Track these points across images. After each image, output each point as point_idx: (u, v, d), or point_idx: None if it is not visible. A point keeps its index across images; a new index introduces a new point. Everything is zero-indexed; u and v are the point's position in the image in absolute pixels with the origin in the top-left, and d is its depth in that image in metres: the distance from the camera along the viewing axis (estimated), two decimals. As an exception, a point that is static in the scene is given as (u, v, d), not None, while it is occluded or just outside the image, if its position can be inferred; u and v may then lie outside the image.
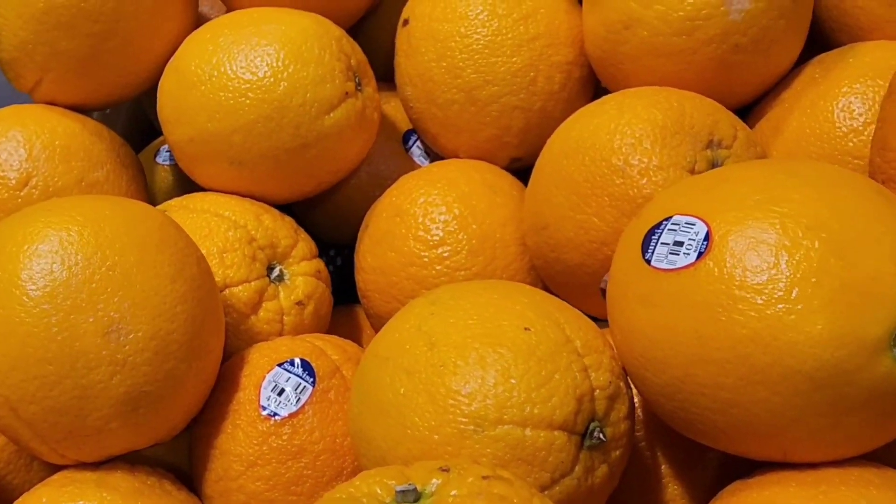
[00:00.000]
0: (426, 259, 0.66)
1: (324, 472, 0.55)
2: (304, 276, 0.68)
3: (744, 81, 0.64)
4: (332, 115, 0.68)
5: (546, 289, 0.66)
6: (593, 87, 0.73)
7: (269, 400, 0.57)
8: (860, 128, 0.59)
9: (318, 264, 0.70)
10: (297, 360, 0.58)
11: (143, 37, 0.73)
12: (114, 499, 0.52)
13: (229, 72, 0.67)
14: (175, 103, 0.70)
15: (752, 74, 0.64)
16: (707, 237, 0.44)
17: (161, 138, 0.90)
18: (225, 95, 0.67)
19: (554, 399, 0.46)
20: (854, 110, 0.60)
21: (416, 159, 0.81)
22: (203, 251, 0.64)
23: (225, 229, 0.66)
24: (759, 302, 0.42)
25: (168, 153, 0.87)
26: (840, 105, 0.60)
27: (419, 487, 0.39)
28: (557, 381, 0.47)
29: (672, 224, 0.46)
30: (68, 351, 0.50)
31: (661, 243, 0.46)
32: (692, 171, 0.57)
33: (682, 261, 0.45)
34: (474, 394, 0.46)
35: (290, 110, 0.66)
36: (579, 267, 0.60)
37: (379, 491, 0.39)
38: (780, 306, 0.41)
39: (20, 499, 0.53)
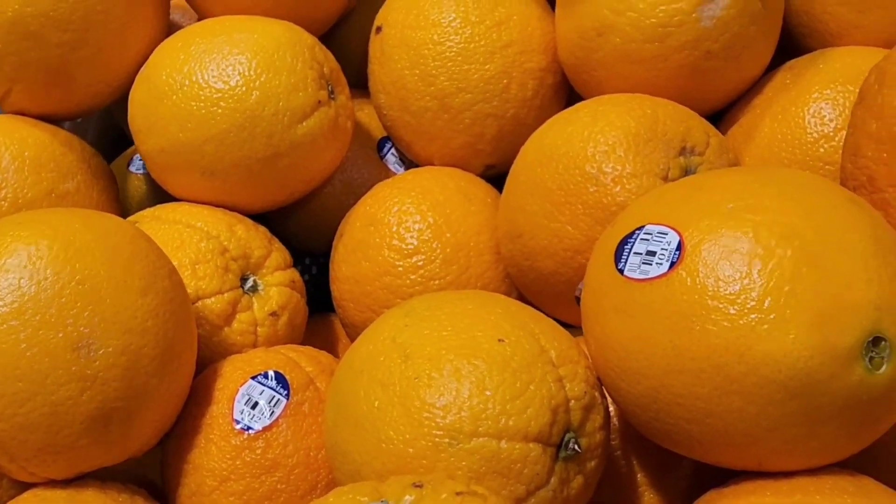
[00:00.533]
0: (400, 268, 0.66)
1: (298, 487, 0.54)
2: (277, 286, 0.68)
3: (716, 87, 0.64)
4: (304, 123, 0.67)
5: (521, 297, 0.66)
6: (567, 93, 0.73)
7: (242, 413, 0.56)
8: (831, 133, 0.59)
9: (293, 274, 0.70)
10: (271, 373, 0.58)
11: (114, 46, 0.72)
12: (85, 516, 0.51)
13: (201, 81, 0.66)
14: (146, 113, 0.69)
15: (723, 80, 0.64)
16: (679, 247, 0.44)
17: (134, 146, 0.89)
18: (196, 105, 0.66)
19: (529, 410, 0.46)
20: (825, 116, 0.60)
21: (391, 167, 0.80)
22: (175, 263, 0.63)
23: (197, 240, 0.65)
24: (733, 312, 0.42)
25: (141, 161, 0.86)
26: (811, 111, 0.60)
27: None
28: (532, 392, 0.46)
29: (645, 233, 0.46)
30: (38, 367, 0.49)
31: (634, 253, 0.46)
32: (665, 179, 0.57)
33: (654, 271, 0.45)
34: (449, 406, 0.46)
35: (262, 119, 0.66)
36: (553, 275, 0.60)
37: (352, 508, 0.39)
38: (753, 316, 0.41)
39: (-11, 517, 0.52)
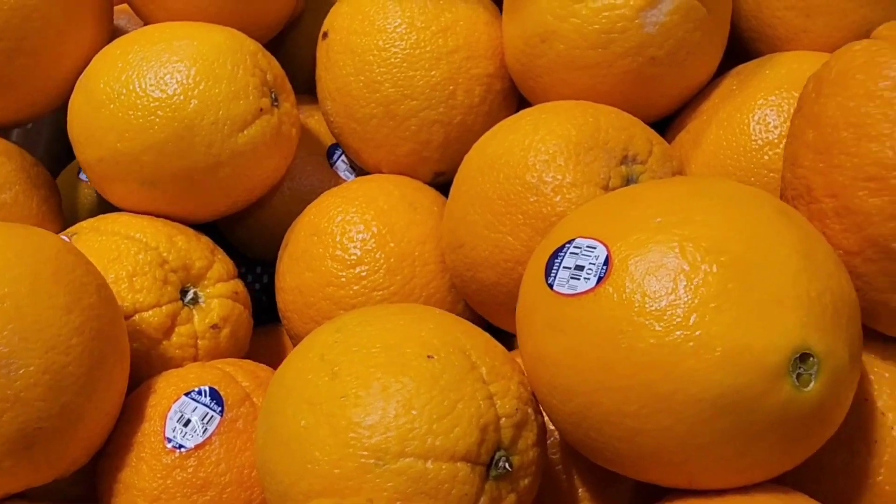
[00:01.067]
0: (343, 279, 0.65)
1: (230, 506, 0.53)
2: (219, 298, 0.66)
3: (662, 94, 0.63)
4: (245, 132, 0.66)
5: (467, 307, 0.65)
6: (516, 99, 0.72)
7: (174, 431, 0.55)
8: (775, 140, 0.58)
9: (236, 285, 0.68)
10: (205, 389, 0.56)
11: (53, 54, 0.71)
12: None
13: (138, 90, 0.65)
14: (84, 122, 0.67)
15: (669, 87, 0.63)
16: (607, 261, 0.43)
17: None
18: (134, 114, 0.65)
19: (457, 430, 0.45)
20: (769, 123, 0.59)
21: (341, 174, 0.79)
22: (111, 276, 0.62)
23: (135, 252, 0.64)
24: (659, 328, 0.41)
25: (92, 170, 0.85)
26: (756, 117, 0.60)
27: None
28: (460, 410, 0.45)
29: (574, 247, 0.45)
30: (-43, 387, 0.48)
31: (563, 267, 0.45)
32: (606, 188, 0.56)
33: (582, 286, 0.44)
34: (375, 426, 0.45)
35: (201, 129, 0.64)
36: (495, 286, 0.59)
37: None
38: (679, 333, 0.40)
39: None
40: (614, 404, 0.42)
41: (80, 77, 0.69)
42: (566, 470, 0.54)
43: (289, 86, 0.71)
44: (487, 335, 0.51)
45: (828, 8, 0.63)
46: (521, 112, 0.62)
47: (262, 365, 0.62)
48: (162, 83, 0.65)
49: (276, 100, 0.69)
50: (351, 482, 0.44)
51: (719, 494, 0.44)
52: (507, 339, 0.57)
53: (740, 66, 0.65)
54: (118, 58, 0.67)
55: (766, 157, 0.58)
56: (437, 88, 0.68)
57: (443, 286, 0.65)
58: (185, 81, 0.65)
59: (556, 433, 0.55)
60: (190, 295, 0.65)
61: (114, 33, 0.76)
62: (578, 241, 0.45)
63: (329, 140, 0.80)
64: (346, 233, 0.66)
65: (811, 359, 0.40)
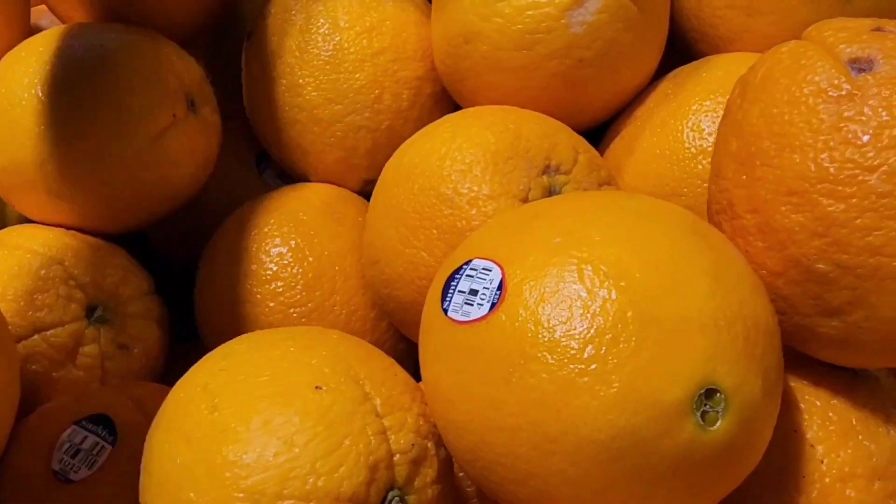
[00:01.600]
0: (258, 296, 0.61)
1: (115, 545, 0.49)
2: (131, 316, 0.63)
3: (593, 98, 0.59)
4: (157, 141, 0.62)
5: (392, 325, 0.62)
6: (450, 103, 0.68)
7: (62, 463, 0.51)
8: (710, 148, 0.55)
9: (150, 301, 0.64)
10: (100, 417, 0.53)
11: (-40, 56, 0.67)
12: None
13: (41, 95, 0.61)
14: (-13, 129, 0.64)
15: (601, 90, 0.59)
16: (501, 286, 0.39)
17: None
18: (36, 121, 0.61)
19: (342, 469, 0.41)
20: (704, 129, 0.55)
21: (270, 181, 0.75)
22: (10, 293, 0.59)
23: (38, 267, 0.60)
24: (552, 362, 0.37)
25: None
26: (690, 123, 0.56)
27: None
28: (347, 447, 0.41)
29: (471, 269, 0.41)
30: None
31: (458, 291, 0.41)
32: (525, 200, 0.52)
33: (475, 312, 0.40)
34: (254, 465, 0.41)
35: (108, 138, 0.61)
36: (412, 305, 0.55)
37: None
38: (573, 366, 0.37)
39: None
40: (505, 445, 0.39)
41: (-16, 81, 0.66)
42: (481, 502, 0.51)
43: (209, 90, 0.68)
44: (390, 361, 0.47)
45: (770, 7, 0.59)
46: (443, 118, 0.58)
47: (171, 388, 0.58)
48: (65, 88, 0.61)
49: (193, 105, 0.65)
50: (226, 527, 0.41)
51: (625, 540, 0.40)
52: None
53: (678, 69, 0.61)
54: (22, 61, 0.63)
55: (700, 167, 0.55)
56: (363, 92, 0.64)
57: (365, 303, 0.62)
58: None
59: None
60: (98, 313, 0.61)
61: (31, 34, 0.72)
62: (475, 262, 0.42)
63: (259, 147, 0.77)
64: (262, 247, 0.62)
65: (718, 395, 0.37)
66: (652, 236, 0.39)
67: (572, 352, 0.37)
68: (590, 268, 0.38)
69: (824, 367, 0.47)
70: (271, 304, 0.61)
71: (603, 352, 0.36)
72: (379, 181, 0.59)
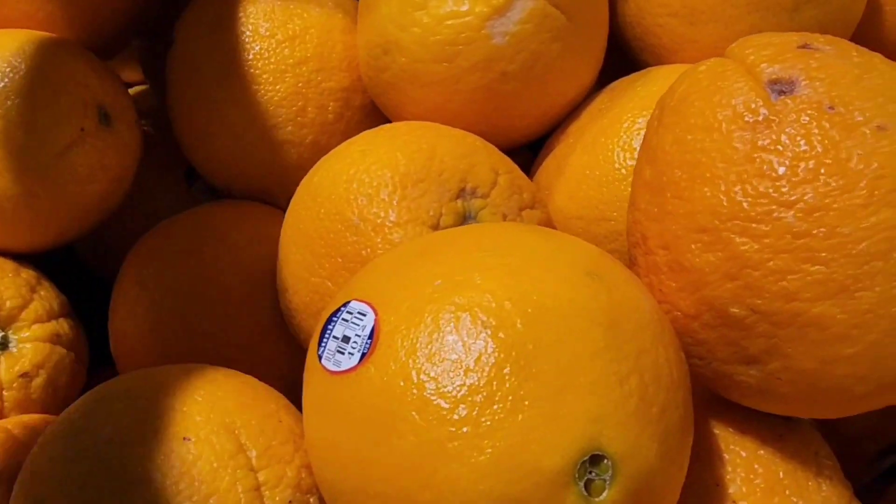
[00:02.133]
0: (166, 324, 0.57)
1: None
2: (34, 342, 0.59)
3: (523, 113, 0.55)
4: (63, 156, 0.58)
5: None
6: (383, 116, 0.64)
7: (-66, 509, 0.47)
8: (641, 170, 0.50)
9: (58, 326, 0.61)
10: (-21, 456, 0.49)
11: None
12: None
13: (-65, 108, 0.57)
14: None
15: (530, 105, 0.55)
16: (372, 333, 0.36)
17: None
18: (-67, 135, 0.57)
19: (206, 531, 0.37)
20: (636, 149, 0.51)
21: (199, 195, 0.72)
22: None
23: (-68, 292, 0.57)
24: (421, 423, 0.33)
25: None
26: (621, 143, 0.52)
27: None
28: (213, 506, 0.38)
29: (347, 312, 0.38)
30: None
31: (333, 337, 0.37)
32: (436, 227, 0.48)
33: (346, 362, 0.36)
34: (110, 526, 0.37)
35: (8, 152, 0.57)
36: (320, 337, 0.51)
37: None
38: (443, 429, 0.33)
39: None
40: (374, 512, 0.35)
41: None
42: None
43: (127, 104, 0.64)
44: (277, 406, 0.44)
45: (713, 15, 0.55)
46: (358, 136, 0.54)
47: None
48: (-38, 102, 0.57)
49: (106, 119, 0.61)
50: None
51: None
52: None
53: (615, 82, 0.57)
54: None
55: (629, 191, 0.50)
56: (284, 105, 0.60)
57: (282, 336, 0.58)
58: (-12, 101, 0.57)
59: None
60: (-3, 339, 0.58)
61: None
62: (352, 304, 0.38)
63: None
64: (174, 273, 0.58)
65: (604, 461, 0.33)
66: (541, 280, 0.35)
67: (443, 412, 0.33)
68: (468, 316, 0.34)
69: (752, 413, 0.43)
70: (179, 332, 0.57)
71: (475, 413, 0.33)
72: (291, 203, 0.55)
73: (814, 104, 0.36)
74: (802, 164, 0.35)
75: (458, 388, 0.33)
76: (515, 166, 0.53)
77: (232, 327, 0.57)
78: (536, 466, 0.32)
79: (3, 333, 0.58)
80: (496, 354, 0.33)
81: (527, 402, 0.33)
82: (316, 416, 0.38)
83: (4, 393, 0.57)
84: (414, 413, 0.33)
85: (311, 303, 0.50)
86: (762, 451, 0.43)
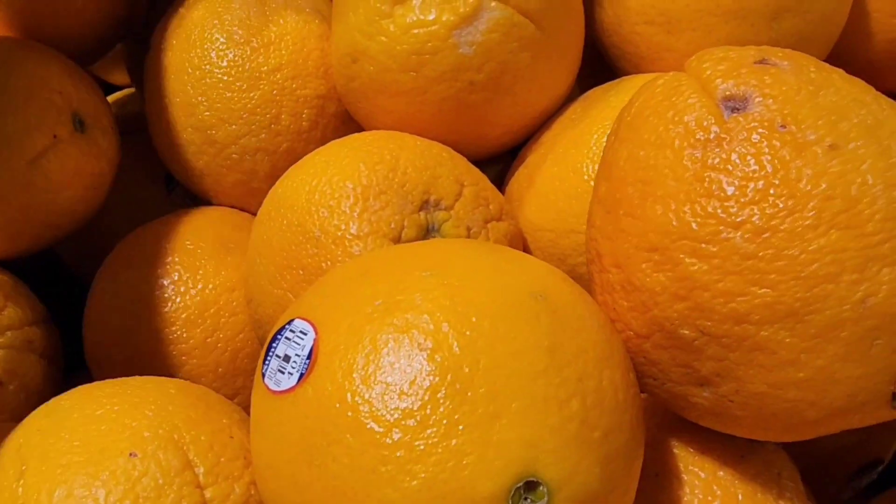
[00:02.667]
0: (139, 332, 0.57)
1: None
2: (7, 349, 0.59)
3: (493, 123, 0.55)
4: (34, 163, 0.58)
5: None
6: (358, 125, 0.64)
7: None
8: (608, 183, 0.50)
9: (31, 333, 0.61)
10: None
11: None
12: None
13: None
14: None
15: (500, 115, 0.54)
16: (311, 353, 0.35)
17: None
18: None
19: (148, 549, 0.37)
20: (605, 161, 0.50)
21: (179, 201, 0.71)
22: None
23: None
24: (354, 445, 0.33)
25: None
26: (591, 154, 0.51)
27: None
28: (156, 524, 0.37)
29: (290, 330, 0.37)
30: None
31: (275, 356, 0.37)
32: (398, 240, 0.47)
33: (286, 382, 0.36)
34: (51, 544, 0.37)
35: (-23, 159, 0.57)
36: (283, 349, 0.51)
37: None
38: (376, 452, 0.32)
39: None
40: (311, 534, 0.34)
41: None
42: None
43: (104, 109, 0.63)
44: (230, 421, 0.43)
45: (690, 24, 0.54)
46: (324, 146, 0.53)
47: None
48: (-67, 108, 0.57)
49: (81, 126, 0.61)
50: None
51: None
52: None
53: (590, 91, 0.56)
54: None
55: (597, 202, 0.50)
56: (257, 112, 0.60)
57: (252, 341, 0.57)
58: (-41, 107, 0.57)
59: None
60: (-32, 347, 0.58)
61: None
62: (296, 322, 0.37)
63: (170, 164, 0.73)
64: (145, 278, 0.58)
65: (540, 487, 0.32)
66: (482, 301, 0.35)
67: (376, 436, 0.32)
68: (405, 338, 0.34)
69: (715, 433, 0.42)
70: (151, 341, 0.57)
71: (408, 438, 0.32)
72: (258, 212, 0.54)
73: (765, 122, 0.35)
74: (752, 185, 0.34)
75: (392, 412, 0.32)
76: (483, 177, 0.52)
77: (194, 339, 0.57)
78: (470, 492, 0.32)
79: (-26, 341, 0.58)
80: (431, 378, 0.33)
81: (461, 427, 0.32)
82: (258, 435, 0.37)
83: (-25, 400, 0.57)
84: (348, 436, 0.33)
85: (275, 315, 0.50)
86: (722, 472, 0.42)
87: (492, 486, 0.32)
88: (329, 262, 0.47)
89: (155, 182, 0.72)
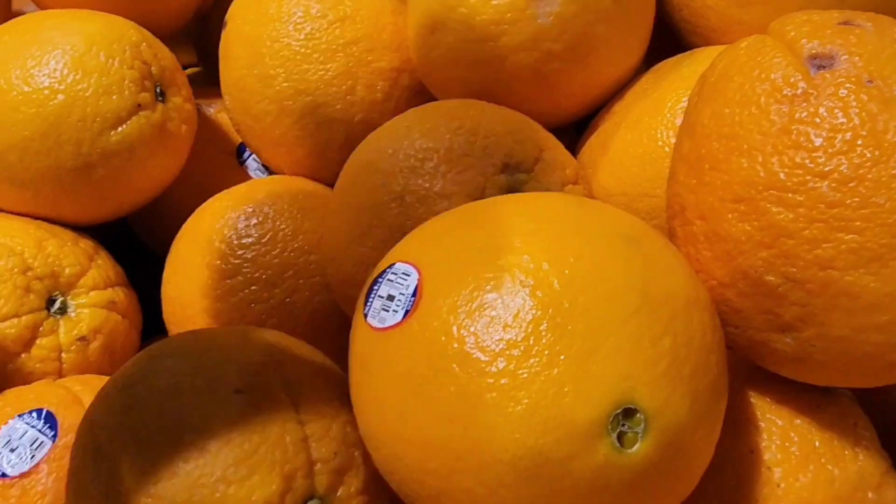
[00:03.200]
0: (219, 291, 0.59)
1: (48, 542, 0.48)
2: (91, 307, 0.61)
3: (566, 94, 0.57)
4: (119, 130, 0.61)
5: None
6: (431, 96, 0.66)
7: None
8: (682, 148, 0.51)
9: (115, 294, 0.63)
10: (41, 411, 0.51)
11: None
12: None
13: (3, 84, 0.60)
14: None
15: (574, 85, 0.56)
16: (416, 292, 0.37)
17: None
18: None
19: (255, 477, 0.39)
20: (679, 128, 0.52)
21: (251, 173, 0.74)
22: (-33, 284, 0.58)
23: (-5, 257, 0.59)
24: (460, 375, 0.35)
25: None
26: (665, 121, 0.53)
27: None
28: (262, 455, 0.40)
29: (392, 273, 0.39)
30: None
31: (378, 296, 0.39)
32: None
33: (390, 319, 0.38)
34: (163, 473, 0.39)
35: (67, 126, 0.60)
36: (364, 306, 0.53)
37: None
38: (482, 381, 0.34)
39: None
40: (415, 461, 0.36)
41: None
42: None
43: (182, 79, 0.66)
44: (324, 365, 0.45)
45: (761, -3, 0.56)
46: (405, 112, 0.55)
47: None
48: (28, 76, 0.60)
49: (161, 94, 0.63)
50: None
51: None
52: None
53: (660, 63, 0.58)
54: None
55: (671, 168, 0.51)
56: (334, 83, 0.62)
57: (329, 303, 0.60)
58: (52, 74, 0.60)
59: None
60: (57, 304, 0.60)
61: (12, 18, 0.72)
62: (398, 265, 0.39)
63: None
64: (226, 240, 0.60)
65: (637, 415, 0.34)
66: (578, 245, 0.37)
67: (481, 365, 0.34)
68: (507, 276, 0.36)
69: (790, 384, 0.44)
70: (231, 300, 0.59)
71: (513, 367, 0.34)
72: (339, 177, 0.56)
73: (852, 78, 0.37)
74: (839, 136, 0.36)
75: (496, 343, 0.34)
76: (559, 143, 0.54)
77: (274, 299, 0.59)
78: (570, 417, 0.33)
79: (62, 299, 0.61)
80: (534, 311, 0.35)
81: (562, 357, 0.34)
82: (360, 371, 0.39)
83: (63, 355, 0.60)
84: (455, 366, 0.35)
85: (357, 273, 0.52)
86: (798, 421, 0.43)
87: (592, 412, 0.33)
88: (413, 220, 0.49)
89: (222, 154, 0.75)
